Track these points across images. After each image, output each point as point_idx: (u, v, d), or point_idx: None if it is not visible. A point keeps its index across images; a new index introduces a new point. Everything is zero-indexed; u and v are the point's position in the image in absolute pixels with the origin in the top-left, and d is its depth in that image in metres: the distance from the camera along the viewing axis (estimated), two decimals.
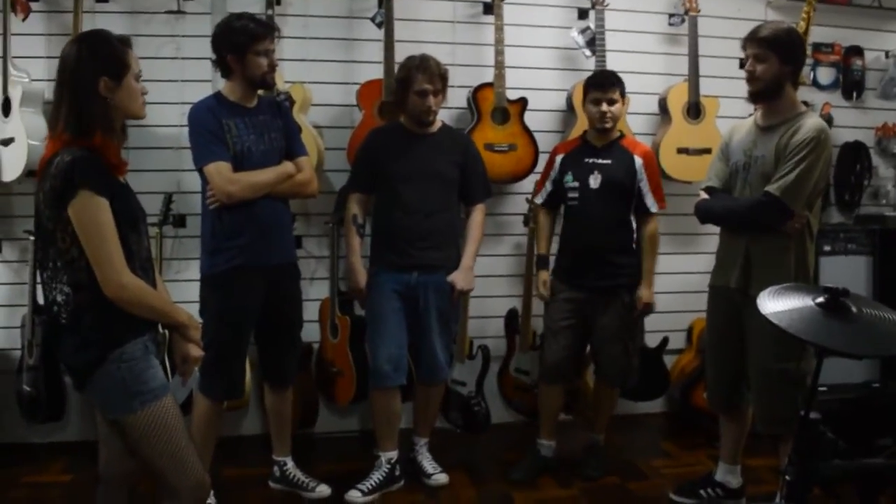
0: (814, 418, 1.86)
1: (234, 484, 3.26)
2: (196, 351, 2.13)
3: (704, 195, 2.93)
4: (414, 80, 3.09)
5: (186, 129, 2.90)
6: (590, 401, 3.65)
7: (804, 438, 1.87)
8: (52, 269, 1.99)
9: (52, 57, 3.43)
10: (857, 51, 4.21)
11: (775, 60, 2.68)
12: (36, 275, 3.30)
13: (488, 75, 3.68)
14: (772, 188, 2.65)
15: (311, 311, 3.60)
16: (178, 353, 2.13)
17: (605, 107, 3.23)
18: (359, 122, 3.59)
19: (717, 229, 3.02)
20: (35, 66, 3.44)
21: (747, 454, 3.14)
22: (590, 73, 3.49)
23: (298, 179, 2.96)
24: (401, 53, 3.37)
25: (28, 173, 3.28)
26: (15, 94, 3.32)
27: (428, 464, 3.39)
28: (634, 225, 3.33)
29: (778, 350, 2.64)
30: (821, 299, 1.87)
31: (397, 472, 3.25)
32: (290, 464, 3.23)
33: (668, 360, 3.97)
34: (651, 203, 3.30)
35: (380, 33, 3.61)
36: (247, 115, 2.88)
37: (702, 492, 3.12)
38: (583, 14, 3.92)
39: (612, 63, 3.65)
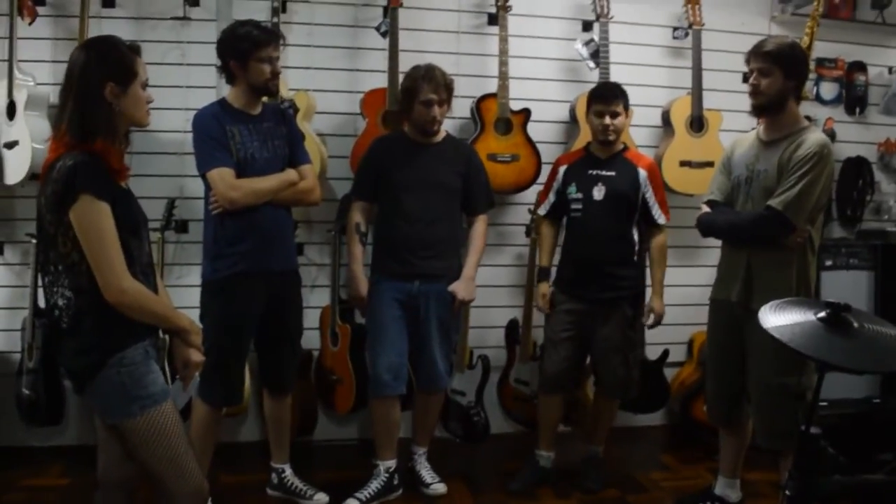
0: (814, 433, 1.85)
1: (232, 490, 3.25)
2: (197, 356, 2.13)
3: (706, 208, 2.93)
4: (420, 90, 3.09)
5: (190, 135, 2.91)
6: (589, 412, 3.64)
7: (804, 453, 1.86)
8: (54, 273, 1.99)
9: (58, 61, 3.45)
10: (861, 66, 4.22)
11: (779, 75, 2.69)
12: (37, 278, 3.30)
13: (492, 86, 3.68)
14: (774, 202, 2.65)
15: (311, 318, 3.61)
16: (178, 358, 2.13)
17: (608, 119, 3.23)
18: (362, 130, 3.59)
19: (718, 242, 3.02)
20: (41, 70, 3.45)
21: (747, 468, 3.13)
22: (593, 85, 3.49)
23: (301, 187, 2.96)
24: (405, 63, 3.39)
25: (31, 176, 3.28)
26: (20, 98, 3.32)
27: (426, 473, 3.38)
28: (636, 237, 3.33)
29: (779, 364, 2.64)
30: (822, 314, 1.86)
31: (395, 481, 3.24)
32: (288, 471, 3.23)
33: (669, 373, 3.96)
34: (658, 214, 3.30)
35: (384, 43, 3.61)
36: (251, 122, 2.89)
37: None
38: (587, 26, 3.92)
39: (616, 75, 3.66)
